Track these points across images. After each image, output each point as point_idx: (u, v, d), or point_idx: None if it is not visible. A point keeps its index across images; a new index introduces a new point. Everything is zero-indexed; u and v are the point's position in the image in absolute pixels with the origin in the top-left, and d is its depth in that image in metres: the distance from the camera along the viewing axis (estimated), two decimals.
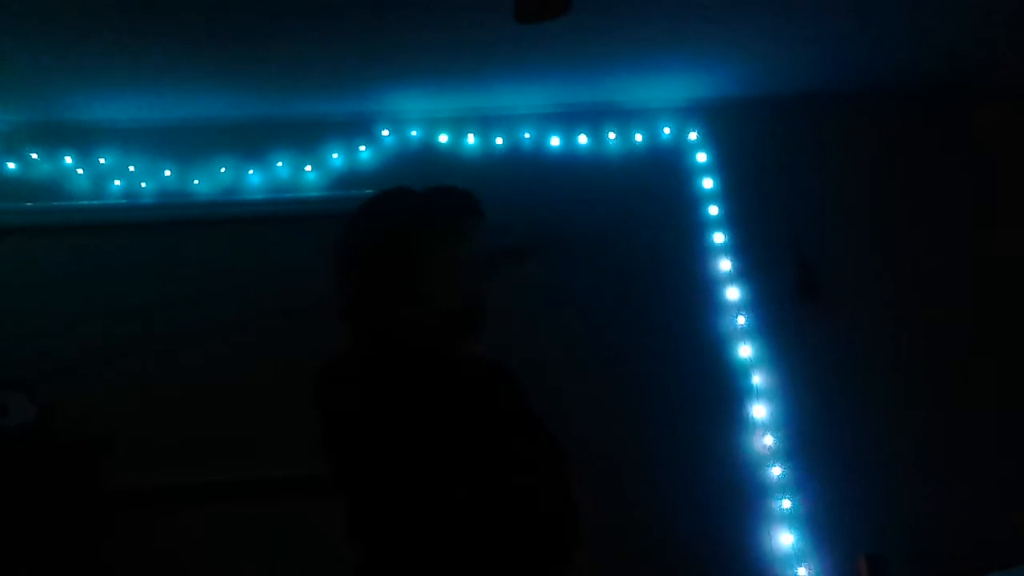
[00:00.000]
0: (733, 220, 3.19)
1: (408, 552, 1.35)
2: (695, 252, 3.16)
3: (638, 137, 3.27)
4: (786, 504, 2.86)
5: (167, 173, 3.08)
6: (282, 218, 3.09)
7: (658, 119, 3.28)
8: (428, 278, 1.50)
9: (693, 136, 3.28)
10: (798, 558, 2.81)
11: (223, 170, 3.11)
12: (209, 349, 2.91)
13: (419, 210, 1.57)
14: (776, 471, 2.89)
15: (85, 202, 3.05)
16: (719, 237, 3.17)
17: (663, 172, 3.24)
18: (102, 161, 3.08)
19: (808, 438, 2.95)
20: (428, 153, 3.19)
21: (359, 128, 3.19)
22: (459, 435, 1.37)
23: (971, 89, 3.30)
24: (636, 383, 2.97)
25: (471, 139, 3.22)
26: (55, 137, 3.06)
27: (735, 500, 2.88)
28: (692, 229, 3.19)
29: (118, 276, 2.98)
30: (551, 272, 3.02)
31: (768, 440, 2.93)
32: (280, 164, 3.14)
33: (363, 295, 1.53)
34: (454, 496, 1.34)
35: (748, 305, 3.09)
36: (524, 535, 1.36)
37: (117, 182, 3.08)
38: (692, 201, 3.22)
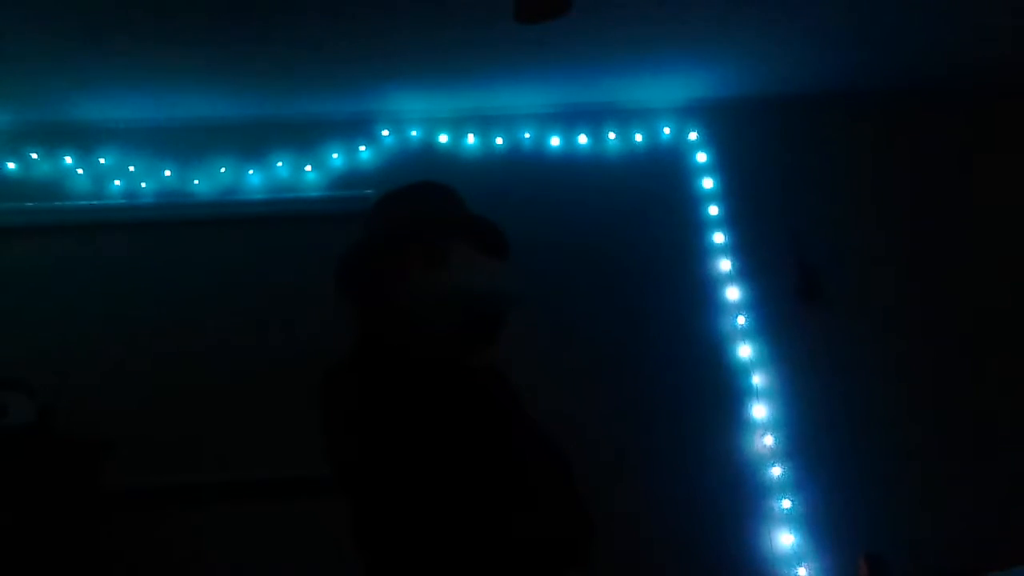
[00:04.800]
0: (733, 220, 3.19)
1: (411, 558, 1.35)
2: (695, 252, 3.16)
3: (638, 137, 3.27)
4: (786, 504, 2.86)
5: (167, 173, 3.09)
6: (282, 218, 3.09)
7: (658, 119, 3.29)
8: (403, 294, 1.48)
9: (693, 136, 3.28)
10: (798, 558, 2.80)
11: (223, 170, 3.12)
12: (209, 349, 2.90)
13: (396, 226, 1.54)
14: (776, 471, 2.89)
15: (85, 202, 3.05)
16: (719, 237, 3.17)
17: (663, 172, 3.24)
18: (102, 161, 3.08)
19: (808, 438, 2.94)
20: (428, 153, 3.19)
21: (359, 128, 3.19)
22: (457, 438, 1.37)
23: (971, 89, 3.30)
24: (636, 383, 2.97)
25: (471, 139, 3.23)
26: (55, 137, 3.07)
27: (735, 500, 2.88)
28: (692, 229, 3.18)
29: (118, 276, 2.98)
30: (551, 273, 3.03)
31: (768, 440, 2.92)
32: (280, 164, 3.15)
33: (354, 303, 1.53)
34: (453, 500, 1.33)
35: (748, 305, 3.09)
36: (526, 537, 1.35)
37: (117, 182, 3.08)
38: (692, 201, 3.22)
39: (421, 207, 1.59)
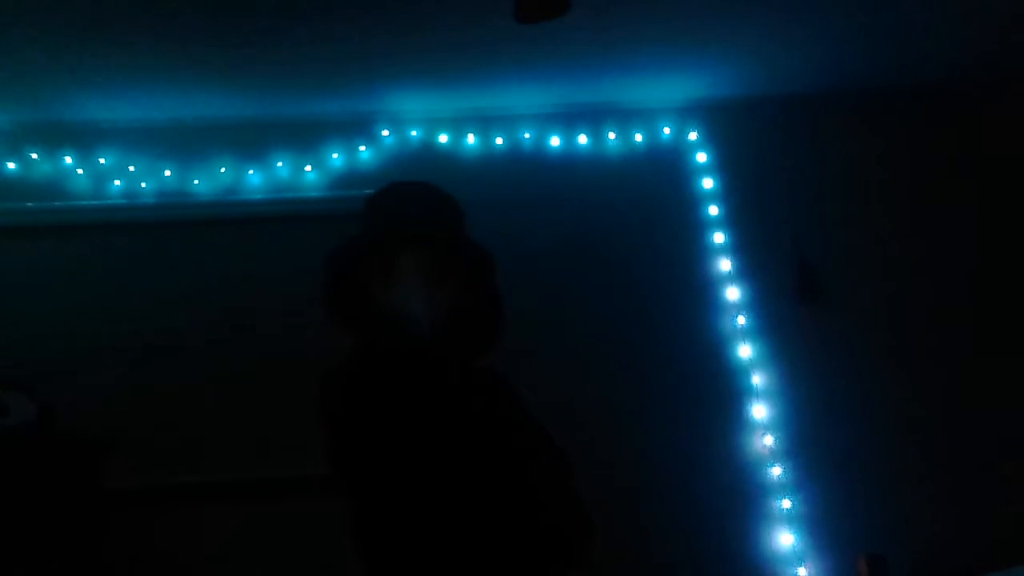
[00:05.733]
0: (733, 220, 3.19)
1: (411, 558, 1.35)
2: (695, 252, 3.16)
3: (638, 137, 3.27)
4: (786, 504, 2.86)
5: (167, 173, 3.08)
6: (282, 218, 3.09)
7: (658, 119, 3.28)
8: (369, 310, 1.50)
9: (693, 136, 3.28)
10: (798, 558, 2.81)
11: (223, 170, 3.11)
12: (209, 349, 2.90)
13: (360, 239, 1.58)
14: (776, 471, 2.90)
15: (85, 202, 3.05)
16: (719, 237, 3.17)
17: (663, 172, 3.24)
18: (102, 161, 3.08)
19: (808, 438, 2.95)
20: (428, 153, 3.19)
21: (359, 128, 3.19)
22: (456, 438, 1.37)
23: (972, 89, 3.29)
24: (636, 383, 2.97)
25: (471, 139, 3.23)
26: (55, 137, 3.06)
27: (735, 500, 2.88)
28: (692, 229, 3.18)
29: (118, 276, 2.98)
30: (550, 273, 3.03)
31: (768, 440, 2.93)
32: (280, 164, 3.15)
33: (341, 309, 1.55)
34: (450, 499, 1.33)
35: (748, 305, 3.09)
36: (525, 536, 1.35)
37: (117, 182, 3.08)
38: (692, 201, 3.22)
39: (387, 216, 1.60)
